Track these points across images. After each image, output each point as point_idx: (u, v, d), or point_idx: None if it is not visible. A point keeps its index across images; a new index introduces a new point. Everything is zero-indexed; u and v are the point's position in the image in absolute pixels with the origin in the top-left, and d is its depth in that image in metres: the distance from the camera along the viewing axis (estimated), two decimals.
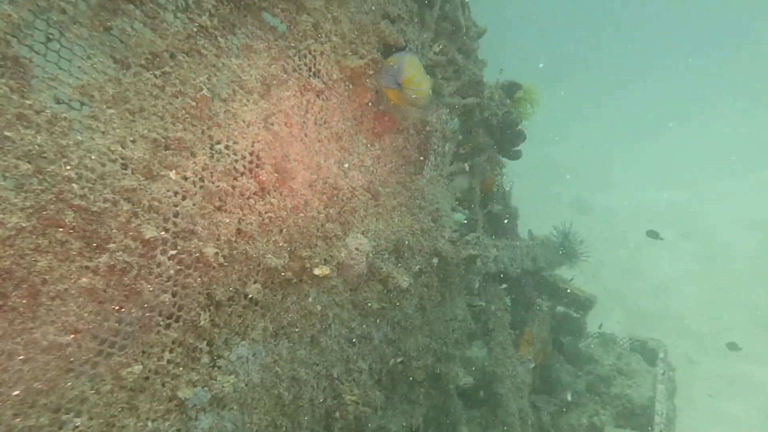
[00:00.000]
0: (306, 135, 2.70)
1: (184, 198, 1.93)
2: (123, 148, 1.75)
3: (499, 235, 5.45)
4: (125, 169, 1.74)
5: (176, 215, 1.89)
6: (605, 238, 18.49)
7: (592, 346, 6.57)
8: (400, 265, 3.34)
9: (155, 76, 1.95)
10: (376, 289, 3.11)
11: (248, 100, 2.35)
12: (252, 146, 2.30)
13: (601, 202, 22.22)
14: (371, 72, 2.97)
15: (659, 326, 14.48)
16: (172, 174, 1.90)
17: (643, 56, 42.15)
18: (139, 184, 1.77)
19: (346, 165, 3.04)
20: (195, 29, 2.13)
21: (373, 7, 3.29)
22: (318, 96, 2.82)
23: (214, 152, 2.12)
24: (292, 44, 2.66)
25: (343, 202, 2.91)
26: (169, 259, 1.82)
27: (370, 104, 3.23)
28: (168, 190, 1.87)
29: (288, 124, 2.55)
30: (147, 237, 1.71)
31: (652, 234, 12.02)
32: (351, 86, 3.11)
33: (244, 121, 2.29)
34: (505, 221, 5.37)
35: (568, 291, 5.79)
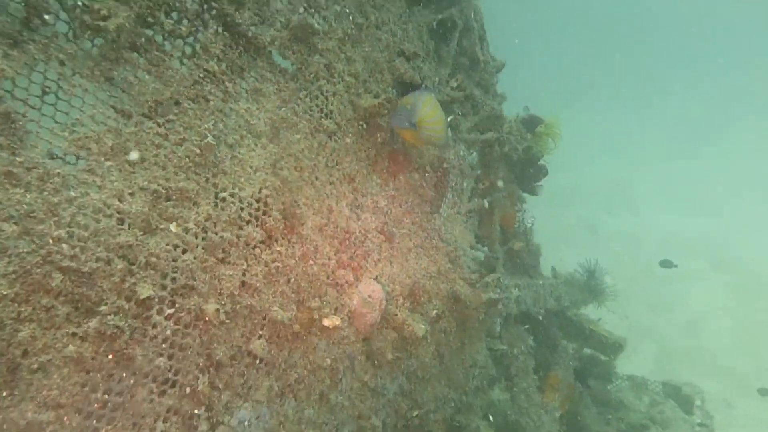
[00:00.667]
0: (317, 178, 2.62)
1: (184, 251, 1.84)
2: (120, 201, 1.68)
3: (521, 273, 5.26)
4: (121, 224, 1.67)
5: (175, 270, 1.80)
6: (630, 267, 17.88)
7: (622, 390, 6.24)
8: (415, 310, 3.19)
9: (158, 124, 1.90)
10: (391, 338, 2.96)
11: (256, 145, 2.29)
12: (259, 193, 2.22)
13: (625, 229, 21.53)
14: (386, 111, 2.89)
15: (692, 364, 13.82)
16: (173, 226, 1.82)
17: (667, 77, 41.58)
18: (136, 240, 1.69)
19: (359, 207, 2.94)
20: (201, 75, 2.09)
21: (388, 45, 3.24)
22: (330, 137, 2.75)
23: (218, 201, 2.04)
24: (303, 85, 2.61)
25: (355, 247, 2.81)
26: (165, 318, 1.73)
27: (384, 143, 3.15)
28: (167, 244, 1.79)
29: (298, 168, 2.47)
30: (142, 296, 1.62)
31: (666, 263, 11.53)
32: (365, 125, 3.04)
33: (251, 167, 2.22)
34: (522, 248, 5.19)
35: (595, 333, 5.53)
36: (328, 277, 2.55)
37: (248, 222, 2.13)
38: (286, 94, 2.49)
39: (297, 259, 2.36)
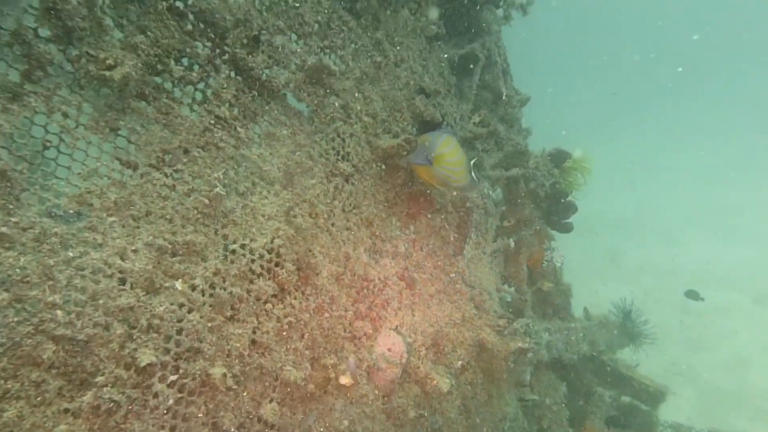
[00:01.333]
0: (333, 224, 2.52)
1: (190, 311, 1.75)
2: (122, 260, 1.60)
3: (551, 315, 5.04)
4: (122, 284, 1.58)
5: (180, 332, 1.70)
6: (663, 302, 17.19)
7: None
8: (439, 362, 3.03)
9: (165, 175, 1.84)
10: (413, 393, 2.80)
11: (269, 192, 2.21)
12: (271, 243, 2.13)
13: (656, 261, 20.73)
14: (405, 152, 2.81)
15: (738, 407, 13.04)
16: (178, 284, 1.73)
17: (698, 102, 40.74)
18: (138, 301, 1.60)
19: (378, 252, 2.83)
20: (212, 121, 2.04)
21: (408, 83, 3.19)
22: (347, 180, 2.67)
23: (228, 254, 1.96)
24: (319, 128, 2.55)
25: (374, 295, 2.68)
26: (168, 386, 1.62)
27: (404, 184, 3.06)
28: (172, 304, 1.70)
29: (312, 215, 2.39)
30: (143, 363, 1.52)
31: (692, 294, 10.95)
32: (383, 167, 2.96)
33: (263, 216, 2.14)
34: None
35: (633, 379, 5.22)
36: (345, 330, 2.43)
37: (259, 275, 2.04)
38: (300, 138, 2.42)
39: (312, 312, 2.25)
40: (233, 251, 1.97)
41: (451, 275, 3.39)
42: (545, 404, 4.47)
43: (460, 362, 3.16)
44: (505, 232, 4.68)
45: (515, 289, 4.67)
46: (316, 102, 2.53)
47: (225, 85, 2.10)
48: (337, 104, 2.65)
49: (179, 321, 1.70)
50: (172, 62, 1.92)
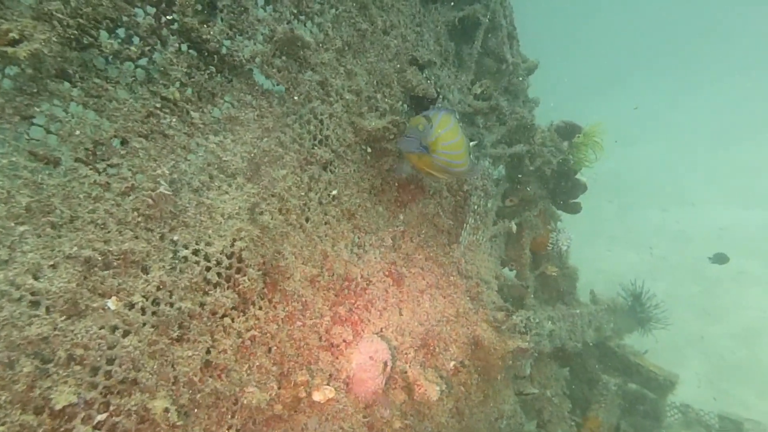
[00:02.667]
0: (307, 219, 2.26)
1: (125, 334, 1.51)
2: (35, 279, 1.36)
3: (555, 300, 4.82)
4: (35, 309, 1.34)
5: (112, 361, 1.47)
6: (676, 268, 16.76)
7: (672, 427, 5.71)
8: (429, 364, 2.82)
9: (97, 171, 1.57)
10: (399, 400, 2.60)
11: (230, 187, 1.94)
12: (231, 246, 1.88)
13: (671, 224, 19.96)
14: (392, 135, 2.52)
15: (747, 380, 12.87)
16: (111, 303, 1.49)
17: (720, 55, 38.58)
18: (55, 329, 1.36)
19: (361, 247, 2.58)
20: (158, 105, 1.76)
21: (398, 53, 2.87)
22: (325, 169, 2.40)
23: (177, 262, 1.71)
24: (292, 109, 2.26)
25: (355, 296, 2.45)
26: (94, 428, 1.40)
27: (392, 170, 2.78)
28: (101, 328, 1.46)
29: (283, 210, 2.13)
30: (59, 406, 1.29)
31: (720, 258, 10.48)
32: (368, 150, 2.68)
33: (222, 215, 1.88)
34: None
35: (642, 367, 5.03)
36: (320, 339, 2.20)
37: (216, 285, 1.79)
38: (269, 121, 2.14)
39: (280, 322, 2.02)
40: (184, 259, 1.72)
41: (444, 267, 3.14)
42: (546, 397, 4.29)
43: (452, 363, 2.95)
44: (507, 214, 4.41)
45: (516, 274, 4.44)
46: (288, 79, 2.24)
47: (174, 61, 1.81)
48: (313, 80, 2.35)
49: (111, 348, 1.47)
50: (104, 34, 1.62)
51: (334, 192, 2.43)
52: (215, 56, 1.96)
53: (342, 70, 2.52)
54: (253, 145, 2.06)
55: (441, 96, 3.34)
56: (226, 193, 1.92)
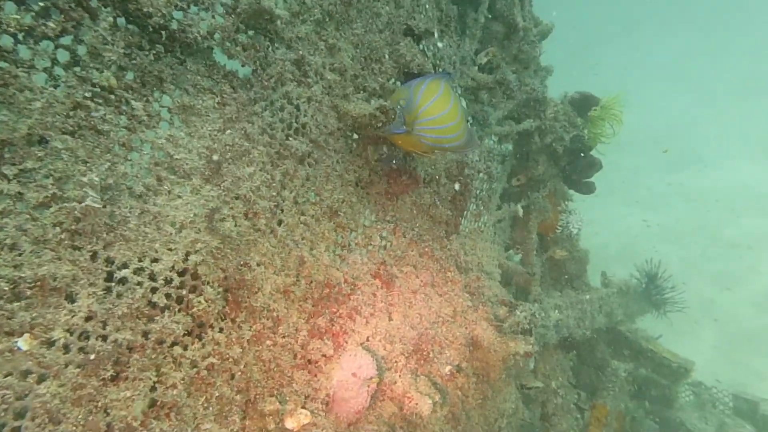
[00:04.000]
0: (280, 223, 2.01)
1: (41, 380, 1.30)
2: None
3: (563, 285, 4.59)
4: None
5: (21, 415, 1.26)
6: (692, 230, 16.15)
7: (684, 409, 5.54)
8: (422, 370, 2.62)
9: (5, 178, 1.32)
10: (388, 413, 2.41)
11: (183, 190, 1.69)
12: (184, 261, 1.64)
13: (687, 183, 18.96)
14: (380, 124, 2.23)
15: (762, 349, 12.57)
16: (23, 342, 1.27)
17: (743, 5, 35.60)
18: None
19: (345, 248, 2.34)
20: (88, 94, 1.49)
21: (390, 22, 2.54)
22: (302, 162, 2.13)
23: (113, 285, 1.47)
24: (261, 94, 1.97)
25: (337, 304, 2.22)
26: None
27: (382, 159, 2.51)
28: (7, 375, 1.24)
29: (250, 214, 1.88)
30: None
31: None
32: (355, 137, 2.40)
33: (173, 224, 1.64)
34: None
35: (655, 354, 4.83)
36: (295, 357, 1.98)
37: (164, 309, 1.57)
38: (233, 110, 1.86)
39: (246, 344, 1.80)
40: (122, 281, 1.49)
41: (441, 262, 2.90)
42: (551, 388, 4.12)
43: (448, 367, 2.74)
44: (514, 195, 4.14)
45: (521, 259, 4.20)
46: (256, 58, 1.94)
47: (108, 40, 1.53)
48: (287, 59, 2.06)
49: (20, 398, 1.25)
50: (9, 6, 1.34)
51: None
52: (163, 32, 1.67)
53: (322, 46, 2.22)
54: (212, 138, 1.79)
55: (441, 71, 3.02)
56: (179, 197, 1.67)
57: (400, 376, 2.43)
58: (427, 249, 2.81)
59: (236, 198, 1.83)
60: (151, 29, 1.63)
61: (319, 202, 2.21)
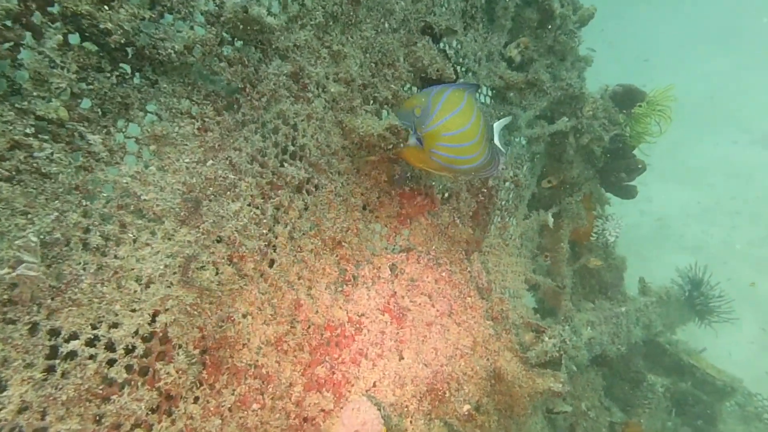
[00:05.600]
0: (272, 264, 1.78)
1: None
2: None
3: (596, 294, 4.27)
4: None
5: None
6: (729, 212, 15.09)
7: (727, 423, 5.20)
8: (437, 412, 2.38)
9: None
10: None
11: (152, 236, 1.46)
12: (151, 323, 1.42)
13: (726, 158, 17.49)
14: (390, 146, 1.95)
15: None
16: None
17: None
18: None
19: (350, 283, 2.10)
20: (30, 130, 1.26)
21: (406, 20, 2.24)
22: (299, 191, 1.88)
23: (58, 361, 1.27)
24: (250, 116, 1.72)
25: (339, 349, 1.99)
26: None
27: (395, 179, 2.24)
28: None
29: (235, 258, 1.64)
30: None
31: None
32: (364, 156, 2.13)
33: (138, 280, 1.41)
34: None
35: (697, 369, 4.49)
36: (288, 417, 1.77)
37: (124, 385, 1.35)
38: (215, 136, 1.62)
39: (228, 412, 1.58)
40: (68, 356, 1.28)
41: (460, 287, 2.64)
42: (581, 410, 3.86)
43: (467, 406, 2.50)
44: (544, 199, 3.82)
45: (550, 269, 3.89)
46: (244, 74, 1.68)
47: (57, 62, 1.29)
48: (282, 73, 1.79)
49: None
50: None
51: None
52: (129, 50, 1.42)
53: (325, 53, 1.94)
54: (191, 172, 1.55)
55: (465, 71, 2.71)
56: (147, 246, 1.45)
57: (411, 422, 2.21)
58: (444, 274, 2.55)
59: (218, 241, 1.60)
60: (112, 47, 1.38)
61: (319, 233, 1.96)
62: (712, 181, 16.64)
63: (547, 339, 2.96)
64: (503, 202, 3.14)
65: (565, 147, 3.64)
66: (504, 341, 2.76)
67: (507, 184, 3.13)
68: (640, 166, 3.83)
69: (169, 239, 1.49)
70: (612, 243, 4.03)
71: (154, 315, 1.43)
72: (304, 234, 1.90)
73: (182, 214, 1.52)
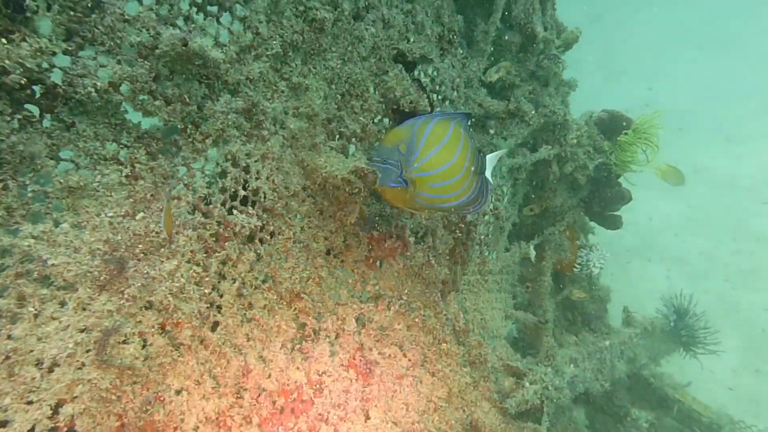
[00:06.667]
0: (215, 327, 1.55)
1: None
2: None
3: (580, 327, 4.10)
4: None
5: None
6: (718, 222, 14.77)
7: None
8: None
9: None
10: None
11: (61, 308, 1.23)
12: (52, 417, 1.19)
13: (718, 166, 16.78)
14: (356, 189, 1.75)
15: None
16: None
17: None
18: None
19: (310, 338, 1.87)
20: None
21: (377, 47, 2.04)
22: (250, 240, 1.66)
23: None
24: (191, 158, 1.50)
25: (296, 416, 1.76)
26: None
27: (364, 222, 2.03)
28: None
29: (168, 326, 1.41)
30: None
31: None
32: (329, 196, 1.91)
33: (37, 364, 1.18)
34: None
35: (683, 405, 4.33)
36: None
37: None
38: (147, 185, 1.39)
39: None
40: None
41: (435, 332, 2.43)
42: None
43: None
44: (525, 228, 3.64)
45: (531, 301, 3.71)
46: (184, 112, 1.46)
47: None
48: (232, 108, 1.57)
49: None
50: None
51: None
52: (37, 88, 1.20)
53: (283, 86, 1.73)
54: (115, 227, 1.33)
55: (441, 99, 2.52)
56: (53, 320, 1.21)
57: None
58: (417, 320, 2.34)
59: (147, 308, 1.37)
60: (13, 87, 1.15)
61: (274, 286, 1.74)
62: (693, 190, 16.42)
63: (528, 385, 2.77)
64: (482, 237, 2.95)
65: (548, 175, 3.46)
66: (482, 389, 2.55)
67: (486, 217, 2.94)
68: (626, 196, 3.67)
69: (84, 310, 1.26)
70: (597, 275, 3.85)
71: (58, 406, 1.19)
72: (256, 289, 1.68)
73: (102, 278, 1.29)
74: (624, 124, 3.71)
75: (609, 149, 3.71)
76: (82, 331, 1.23)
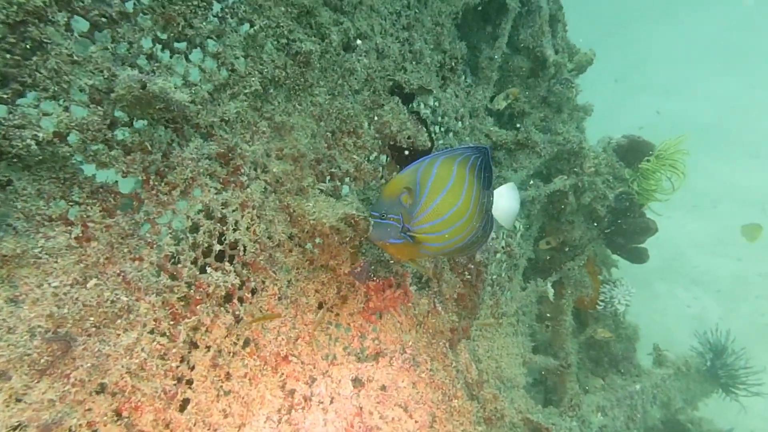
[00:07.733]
0: (183, 406, 1.36)
1: None
2: None
3: (607, 370, 3.82)
4: None
5: None
6: (748, 243, 14.03)
7: None
8: None
9: None
10: None
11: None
12: None
13: (740, 184, 16.24)
14: (347, 237, 1.57)
15: None
16: None
17: None
18: None
19: (299, 406, 1.67)
20: None
21: (371, 79, 1.88)
22: (228, 301, 1.47)
23: None
24: (154, 214, 1.33)
25: None
26: None
27: (360, 269, 1.84)
28: None
29: (124, 412, 1.23)
30: None
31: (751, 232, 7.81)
32: (319, 244, 1.73)
33: None
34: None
35: None
36: None
37: None
38: (101, 247, 1.22)
39: None
40: None
41: (444, 387, 2.20)
42: None
43: None
44: (542, 264, 3.41)
45: (552, 342, 3.45)
46: (146, 162, 1.30)
47: None
48: (204, 155, 1.41)
49: None
50: None
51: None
52: None
53: (264, 126, 1.57)
54: (61, 299, 1.15)
55: (444, 131, 2.35)
56: None
57: None
58: (423, 375, 2.12)
59: (99, 392, 1.18)
60: None
61: (257, 350, 1.55)
62: (722, 208, 15.79)
63: None
64: (494, 277, 2.73)
65: (565, 206, 3.25)
66: None
67: (498, 255, 2.73)
68: (651, 227, 3.43)
69: (18, 402, 1.08)
70: (622, 313, 3.60)
71: None
72: (234, 356, 1.49)
73: (42, 361, 1.11)
74: (646, 149, 3.50)
75: (630, 177, 3.50)
76: (13, 429, 1.05)
